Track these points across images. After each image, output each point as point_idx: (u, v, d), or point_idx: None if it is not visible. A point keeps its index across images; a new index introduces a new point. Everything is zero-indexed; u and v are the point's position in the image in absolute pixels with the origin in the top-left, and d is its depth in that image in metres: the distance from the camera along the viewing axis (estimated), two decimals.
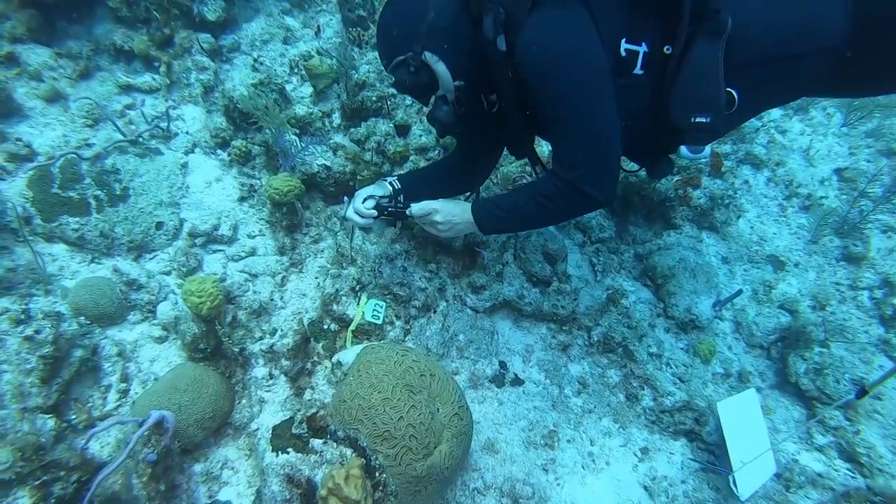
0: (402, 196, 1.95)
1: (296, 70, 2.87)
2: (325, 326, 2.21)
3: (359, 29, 2.88)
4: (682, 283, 2.70)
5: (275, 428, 1.78)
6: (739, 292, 2.75)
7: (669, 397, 2.35)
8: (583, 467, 2.19)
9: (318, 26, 3.04)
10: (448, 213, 1.83)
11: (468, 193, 2.14)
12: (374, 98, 2.66)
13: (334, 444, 1.65)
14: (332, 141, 2.61)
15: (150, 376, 2.05)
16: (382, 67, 1.70)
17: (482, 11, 1.51)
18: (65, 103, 2.55)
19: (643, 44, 1.48)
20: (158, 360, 2.10)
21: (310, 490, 1.57)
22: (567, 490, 2.10)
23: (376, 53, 2.68)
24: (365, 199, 1.90)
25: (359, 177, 2.54)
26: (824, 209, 3.25)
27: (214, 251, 2.42)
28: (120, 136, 2.44)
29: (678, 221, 2.95)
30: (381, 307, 2.19)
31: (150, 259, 2.34)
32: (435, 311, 2.30)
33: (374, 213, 1.88)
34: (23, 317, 1.84)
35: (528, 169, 2.59)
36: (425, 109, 1.75)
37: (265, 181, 2.52)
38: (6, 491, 1.47)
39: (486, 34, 1.48)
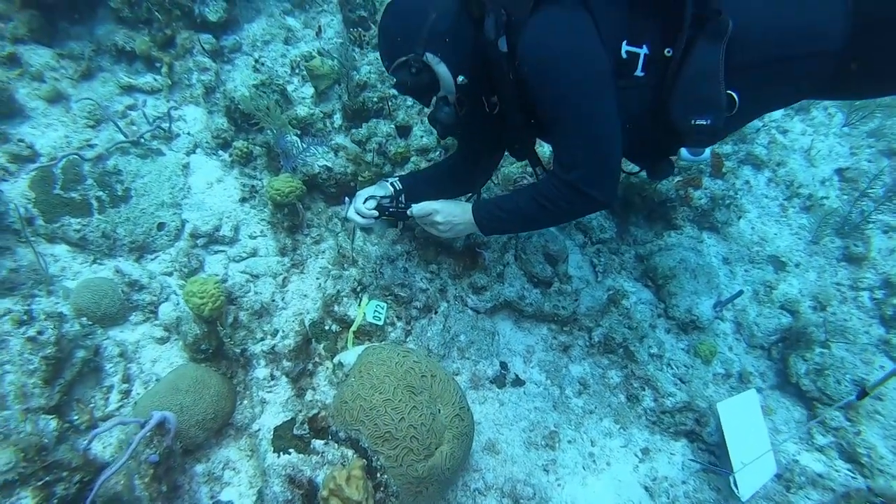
0: (403, 196, 1.95)
1: (297, 71, 2.87)
2: (327, 327, 2.21)
3: (360, 29, 2.88)
4: (683, 284, 2.70)
5: (276, 429, 1.79)
6: (740, 293, 2.75)
7: (670, 398, 2.36)
8: (583, 468, 2.19)
9: (320, 27, 3.05)
10: (448, 213, 1.83)
11: (469, 195, 2.14)
12: (375, 99, 2.67)
13: (336, 444, 1.65)
14: (333, 142, 2.62)
15: (151, 377, 2.05)
16: (384, 68, 1.71)
17: (483, 13, 1.51)
18: (66, 104, 2.56)
19: (644, 46, 1.48)
20: (160, 360, 2.11)
21: (311, 491, 1.57)
22: (568, 490, 2.11)
23: (377, 54, 2.68)
24: (366, 200, 1.90)
25: (360, 178, 2.54)
26: (825, 209, 3.24)
27: (216, 252, 2.43)
28: (122, 137, 2.45)
29: (679, 222, 2.96)
30: (383, 308, 2.19)
31: (152, 260, 2.34)
32: (436, 312, 2.31)
33: (376, 213, 1.88)
34: (25, 318, 1.85)
35: (530, 170, 2.58)
36: (426, 110, 1.75)
37: (266, 182, 2.52)
38: (9, 491, 1.47)
39: (488, 35, 1.49)
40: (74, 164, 2.29)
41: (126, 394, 1.99)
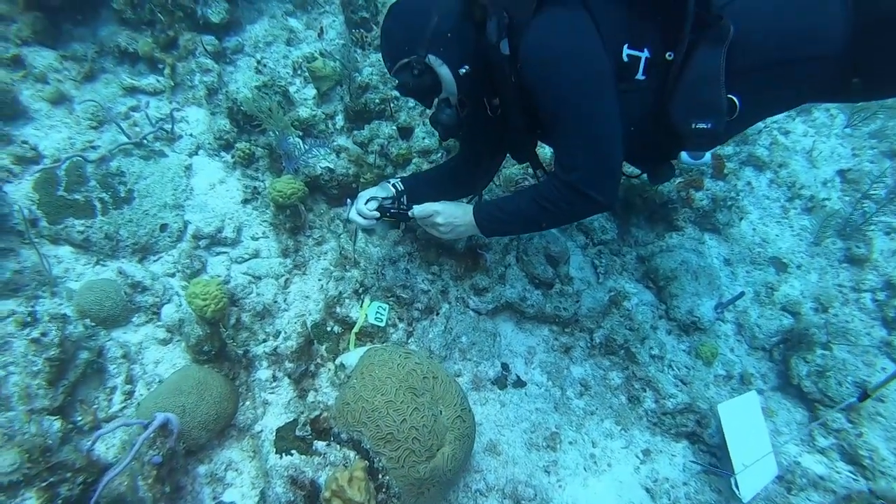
0: (404, 198, 1.96)
1: (299, 72, 2.88)
2: (329, 329, 2.22)
3: (362, 31, 2.89)
4: (685, 285, 2.70)
5: (278, 430, 1.80)
6: (742, 294, 2.75)
7: (671, 399, 2.36)
8: (584, 469, 2.20)
9: (322, 28, 3.05)
10: (449, 214, 1.84)
11: (471, 196, 2.15)
12: (377, 100, 2.67)
13: (338, 446, 1.66)
14: (335, 143, 2.62)
15: (154, 378, 2.06)
16: (386, 70, 1.71)
17: (486, 15, 1.52)
18: (70, 105, 2.56)
19: (645, 49, 1.48)
20: (163, 361, 2.11)
21: (313, 492, 1.58)
22: (569, 492, 2.11)
23: (379, 56, 2.69)
24: (368, 201, 1.91)
25: (362, 179, 2.55)
26: (827, 211, 3.24)
27: (218, 253, 2.43)
28: (124, 139, 2.46)
29: (680, 223, 2.96)
30: (384, 309, 2.20)
31: (155, 261, 2.35)
32: (437, 314, 2.31)
33: (377, 214, 1.89)
34: (29, 319, 1.85)
35: (531, 171, 2.59)
36: (428, 112, 1.76)
37: (269, 183, 2.53)
38: (14, 492, 1.48)
39: (490, 38, 1.49)
40: (78, 166, 2.30)
41: (129, 395, 2.00)
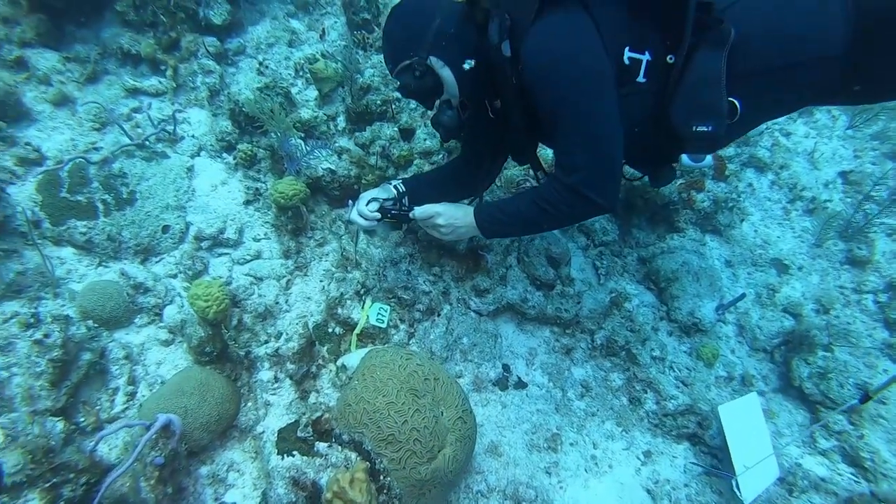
0: (406, 199, 1.96)
1: (301, 73, 2.88)
2: (330, 330, 2.22)
3: (363, 32, 2.89)
4: (686, 287, 2.70)
5: (280, 431, 1.80)
6: (743, 296, 2.75)
7: (672, 401, 2.36)
8: (586, 470, 2.20)
9: (323, 29, 3.06)
10: (450, 216, 1.84)
11: (472, 198, 2.15)
12: (378, 102, 2.67)
13: (339, 447, 1.66)
14: (336, 145, 2.63)
15: (156, 379, 2.07)
16: (387, 71, 1.71)
17: (488, 17, 1.52)
18: (72, 107, 2.57)
19: (646, 52, 1.48)
20: (165, 363, 2.12)
21: (315, 493, 1.58)
22: (570, 493, 2.11)
23: (381, 57, 2.70)
24: (369, 202, 1.91)
25: (363, 180, 2.56)
26: (829, 212, 3.24)
27: (220, 254, 2.44)
28: (127, 140, 2.47)
29: (682, 225, 2.96)
30: (386, 311, 2.20)
31: (157, 262, 2.36)
32: (439, 315, 2.31)
33: (378, 215, 1.89)
34: (32, 320, 1.86)
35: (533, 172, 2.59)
36: (430, 114, 1.76)
37: (270, 185, 2.54)
38: (17, 493, 1.49)
39: (492, 40, 1.50)
40: (80, 168, 2.31)
41: (131, 396, 2.01)
